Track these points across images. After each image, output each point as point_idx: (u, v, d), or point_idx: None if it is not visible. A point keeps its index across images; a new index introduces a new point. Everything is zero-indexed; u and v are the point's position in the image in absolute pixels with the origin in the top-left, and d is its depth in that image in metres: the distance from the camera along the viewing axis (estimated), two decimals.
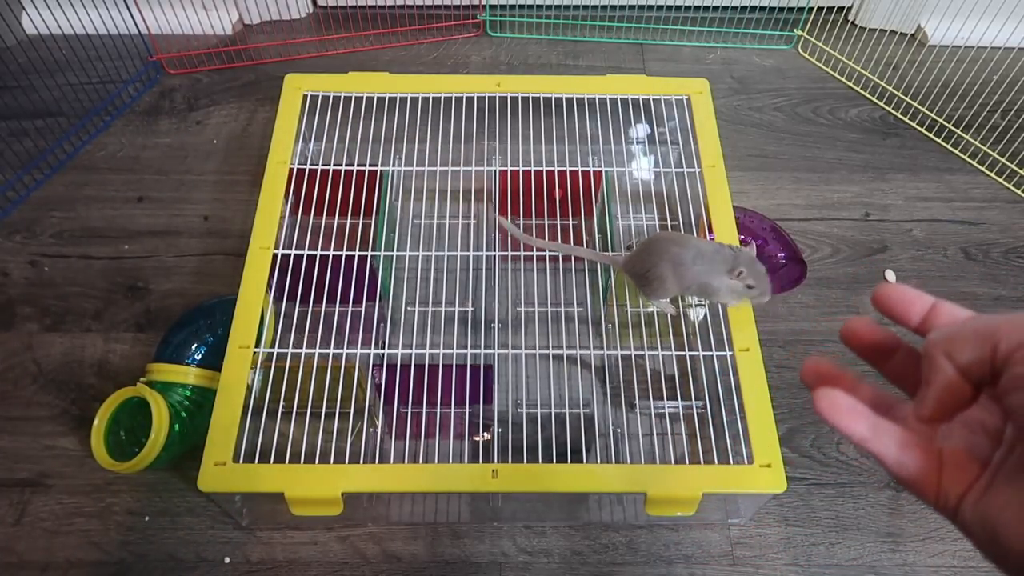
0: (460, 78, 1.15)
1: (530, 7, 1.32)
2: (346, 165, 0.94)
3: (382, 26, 1.27)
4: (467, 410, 0.83)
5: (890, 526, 0.83)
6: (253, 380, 0.78)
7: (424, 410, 0.84)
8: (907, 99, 1.20)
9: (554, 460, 0.77)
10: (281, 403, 0.77)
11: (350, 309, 0.85)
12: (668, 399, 0.86)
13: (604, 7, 1.33)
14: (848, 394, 0.30)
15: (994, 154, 1.13)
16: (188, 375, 0.82)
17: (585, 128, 1.01)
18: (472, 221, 1.02)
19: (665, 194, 1.02)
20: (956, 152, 1.15)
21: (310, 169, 0.92)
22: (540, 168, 0.94)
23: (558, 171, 0.94)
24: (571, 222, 1.00)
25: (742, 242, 0.96)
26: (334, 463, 0.73)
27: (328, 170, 0.92)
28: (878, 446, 0.30)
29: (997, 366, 0.27)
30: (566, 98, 1.01)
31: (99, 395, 0.84)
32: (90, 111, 1.14)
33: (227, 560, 0.79)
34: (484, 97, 1.00)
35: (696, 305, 0.92)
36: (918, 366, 0.30)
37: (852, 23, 1.32)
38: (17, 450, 0.86)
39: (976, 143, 1.15)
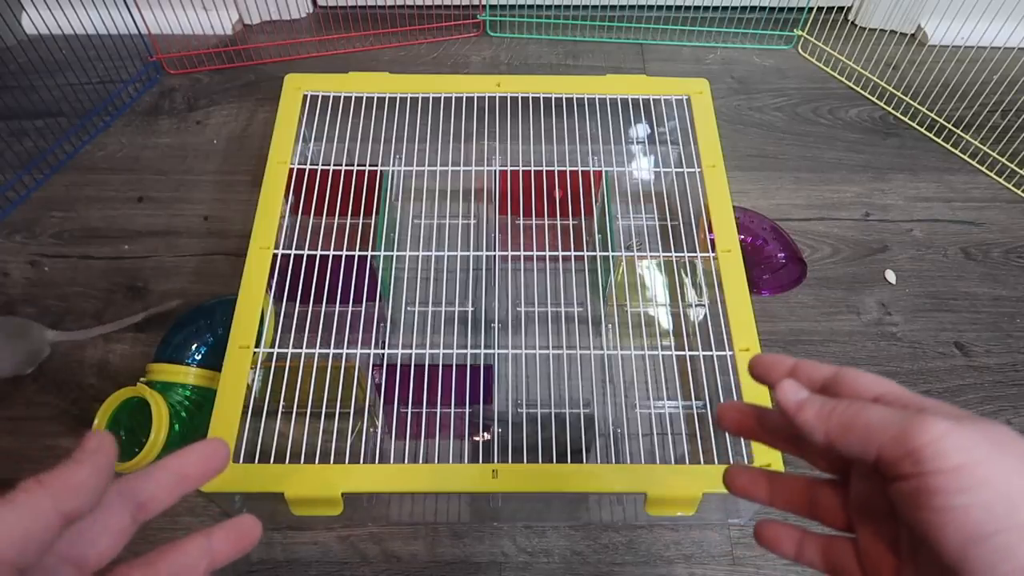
0: (460, 78, 1.15)
1: (530, 7, 1.32)
2: (346, 165, 0.94)
3: (382, 26, 1.27)
4: (467, 410, 0.83)
5: None
6: (253, 380, 0.78)
7: (424, 410, 0.84)
8: (907, 99, 1.20)
9: (554, 460, 0.77)
10: (281, 403, 0.77)
11: (350, 309, 0.85)
12: (668, 399, 0.86)
13: (604, 7, 1.33)
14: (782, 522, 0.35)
15: (994, 154, 1.13)
16: (188, 375, 0.82)
17: (585, 128, 1.01)
18: (472, 221, 1.02)
19: (665, 194, 1.02)
20: (956, 152, 1.15)
21: (310, 169, 0.92)
22: (540, 168, 0.94)
23: (558, 171, 0.94)
24: (571, 222, 1.00)
25: (742, 242, 0.96)
26: (334, 463, 0.73)
27: (328, 170, 0.92)
28: (807, 559, 0.34)
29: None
30: (566, 98, 1.01)
31: (99, 395, 0.84)
32: (90, 111, 1.14)
33: None
34: (484, 97, 1.00)
35: (696, 305, 0.92)
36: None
37: (852, 23, 1.32)
38: (17, 450, 0.86)
39: (976, 143, 1.15)
